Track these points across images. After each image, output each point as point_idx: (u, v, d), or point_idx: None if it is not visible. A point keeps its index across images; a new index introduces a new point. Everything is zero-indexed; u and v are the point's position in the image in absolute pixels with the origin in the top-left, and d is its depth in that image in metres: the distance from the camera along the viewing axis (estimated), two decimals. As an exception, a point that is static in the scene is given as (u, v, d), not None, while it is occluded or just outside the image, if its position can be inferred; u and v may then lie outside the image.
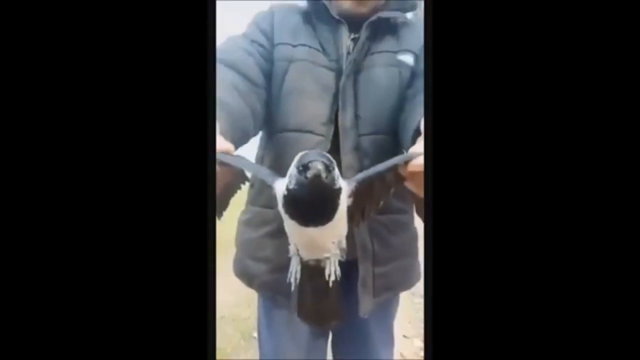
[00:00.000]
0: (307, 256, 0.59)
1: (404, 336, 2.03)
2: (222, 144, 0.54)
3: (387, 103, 0.75)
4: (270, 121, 0.79)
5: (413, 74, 0.77)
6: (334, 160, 0.48)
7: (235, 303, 2.30)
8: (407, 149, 0.55)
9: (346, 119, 0.74)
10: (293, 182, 0.48)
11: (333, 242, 0.57)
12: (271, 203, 0.54)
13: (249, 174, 0.61)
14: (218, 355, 1.86)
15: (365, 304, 0.78)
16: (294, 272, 0.60)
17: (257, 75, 0.74)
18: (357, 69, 0.75)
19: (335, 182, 0.49)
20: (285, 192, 0.50)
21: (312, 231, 0.52)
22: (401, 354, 1.84)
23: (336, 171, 0.48)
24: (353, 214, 0.58)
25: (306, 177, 0.46)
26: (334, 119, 0.75)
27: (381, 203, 0.60)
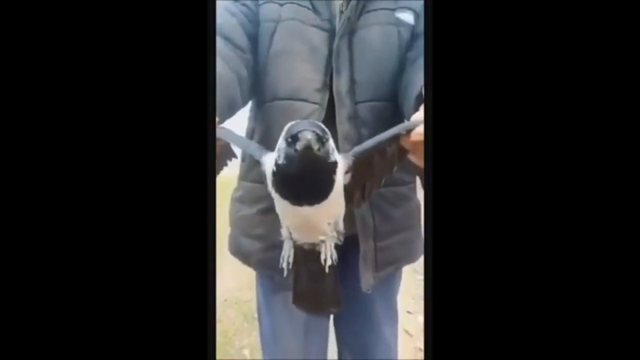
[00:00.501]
0: (301, 239, 0.55)
1: (408, 312, 2.05)
2: None
3: (385, 66, 0.70)
4: (259, 89, 0.74)
5: (413, 35, 0.72)
6: (327, 131, 0.44)
7: (237, 287, 2.31)
8: (408, 117, 0.51)
9: (341, 84, 0.69)
10: (282, 156, 0.44)
11: (329, 224, 0.53)
12: (263, 178, 0.51)
13: (237, 150, 0.58)
14: (221, 338, 1.89)
15: (367, 279, 0.76)
16: (287, 256, 0.57)
17: (242, 38, 0.69)
18: (351, 29, 0.70)
19: (330, 155, 0.44)
20: (274, 169, 0.46)
21: (306, 211, 0.48)
22: (405, 330, 1.85)
23: (330, 143, 0.44)
24: (352, 193, 0.54)
25: (296, 150, 0.42)
26: (329, 85, 0.70)
27: (383, 181, 0.56)
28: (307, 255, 0.56)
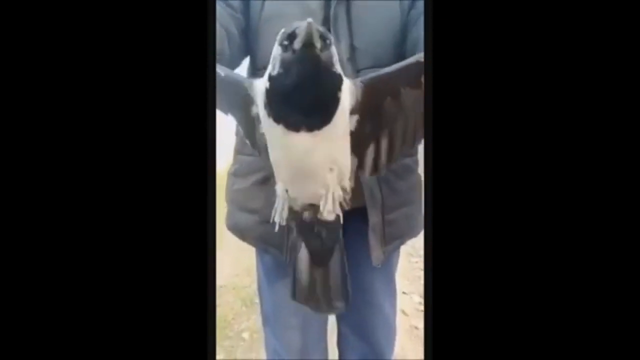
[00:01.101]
0: (298, 195, 0.48)
1: (403, 292, 2.08)
2: None
3: (387, 31, 0.68)
4: (252, 57, 0.72)
5: None
6: (331, 35, 0.38)
7: (234, 273, 2.33)
8: None
9: (341, 51, 0.66)
10: (277, 65, 0.38)
11: (331, 169, 0.44)
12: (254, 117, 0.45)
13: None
14: (220, 322, 1.91)
15: (377, 253, 0.75)
16: (280, 209, 0.49)
17: None
18: None
19: (334, 62, 0.38)
20: (267, 84, 0.39)
21: (304, 141, 0.40)
22: (401, 310, 1.89)
23: (334, 49, 0.39)
24: (362, 154, 0.46)
25: (294, 51, 0.36)
26: None
27: (399, 150, 0.48)
28: (308, 228, 0.49)
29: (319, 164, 0.44)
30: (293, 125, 0.40)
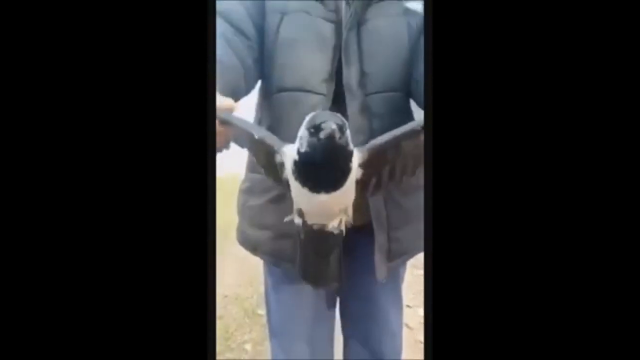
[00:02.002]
0: (312, 221, 0.58)
1: (407, 306, 2.06)
2: (221, 100, 0.50)
3: (396, 57, 0.70)
4: (266, 81, 0.74)
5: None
6: (345, 121, 0.46)
7: (237, 283, 2.32)
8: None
9: (351, 76, 0.69)
10: (305, 144, 0.46)
11: (340, 209, 0.56)
12: (279, 168, 0.52)
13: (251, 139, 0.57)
14: (222, 333, 1.89)
15: (382, 268, 0.76)
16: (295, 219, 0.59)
17: (249, 28, 0.69)
18: (359, 21, 0.70)
19: (349, 143, 0.47)
20: (297, 157, 0.48)
21: (322, 198, 0.50)
22: (405, 324, 1.86)
23: (348, 132, 0.47)
24: (366, 185, 0.55)
25: (319, 139, 0.44)
26: (335, 76, 0.70)
27: (403, 179, 0.57)
28: (316, 234, 0.59)
29: (332, 208, 0.55)
30: (315, 190, 0.50)
